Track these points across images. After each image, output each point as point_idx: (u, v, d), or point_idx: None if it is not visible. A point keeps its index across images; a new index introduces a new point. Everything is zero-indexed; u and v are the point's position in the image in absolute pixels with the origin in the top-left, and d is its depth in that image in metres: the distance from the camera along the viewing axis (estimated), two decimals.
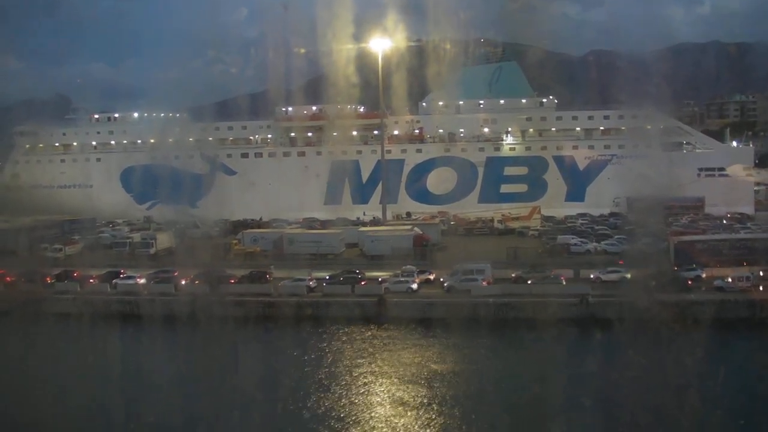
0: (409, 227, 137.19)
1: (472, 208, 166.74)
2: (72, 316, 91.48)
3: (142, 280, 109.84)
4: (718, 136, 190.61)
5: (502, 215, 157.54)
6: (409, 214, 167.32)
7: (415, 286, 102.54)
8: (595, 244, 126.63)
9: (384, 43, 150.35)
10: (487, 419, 62.87)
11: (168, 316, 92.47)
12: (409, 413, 64.18)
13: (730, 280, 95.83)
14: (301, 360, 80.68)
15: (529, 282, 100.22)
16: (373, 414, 64.33)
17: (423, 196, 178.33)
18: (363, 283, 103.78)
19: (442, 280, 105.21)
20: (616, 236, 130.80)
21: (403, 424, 61.68)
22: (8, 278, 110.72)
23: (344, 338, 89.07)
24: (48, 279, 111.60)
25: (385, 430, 60.98)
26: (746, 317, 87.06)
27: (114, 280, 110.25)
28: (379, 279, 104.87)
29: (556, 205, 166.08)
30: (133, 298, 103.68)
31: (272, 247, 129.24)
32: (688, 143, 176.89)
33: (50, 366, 76.57)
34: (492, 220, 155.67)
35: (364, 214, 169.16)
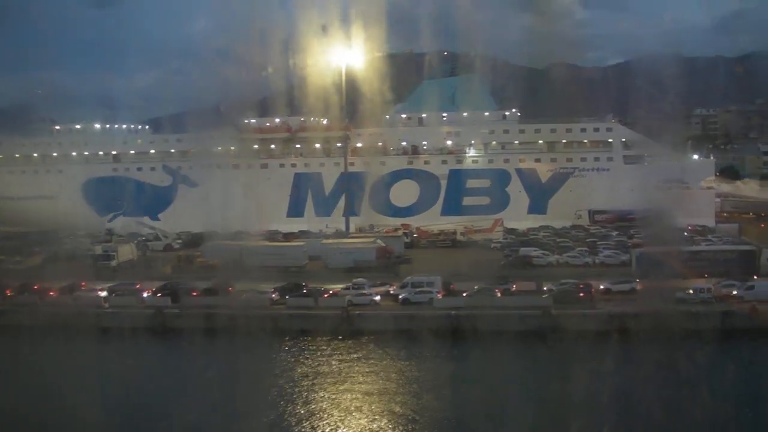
0: (372, 240, 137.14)
1: (435, 221, 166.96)
2: (31, 329, 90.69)
3: (104, 293, 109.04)
4: (681, 149, 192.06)
5: (465, 228, 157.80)
6: (372, 227, 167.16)
7: (378, 298, 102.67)
8: (557, 256, 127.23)
9: (348, 56, 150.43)
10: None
11: (130, 328, 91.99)
12: (377, 425, 64.23)
13: (691, 291, 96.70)
14: (264, 373, 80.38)
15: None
16: (340, 426, 64.28)
17: (386, 208, 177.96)
18: (326, 295, 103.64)
19: (392, 292, 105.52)
20: (578, 249, 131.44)
21: None
22: None
23: (307, 351, 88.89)
24: (7, 291, 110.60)
25: None
26: (707, 328, 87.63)
27: (75, 293, 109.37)
28: (329, 291, 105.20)
29: (518, 217, 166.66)
30: (94, 311, 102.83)
31: (235, 259, 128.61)
32: (649, 156, 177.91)
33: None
34: (455, 233, 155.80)
35: (327, 226, 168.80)
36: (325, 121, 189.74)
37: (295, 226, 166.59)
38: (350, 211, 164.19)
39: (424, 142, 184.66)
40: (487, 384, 71.91)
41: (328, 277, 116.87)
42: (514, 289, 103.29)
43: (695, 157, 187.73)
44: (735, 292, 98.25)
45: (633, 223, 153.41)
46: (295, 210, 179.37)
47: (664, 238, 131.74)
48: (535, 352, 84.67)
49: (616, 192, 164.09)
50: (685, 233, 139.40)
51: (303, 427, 64.47)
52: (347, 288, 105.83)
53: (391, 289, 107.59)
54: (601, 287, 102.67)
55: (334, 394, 73.48)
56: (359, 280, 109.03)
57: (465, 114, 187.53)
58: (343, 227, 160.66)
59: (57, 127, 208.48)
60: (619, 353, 77.75)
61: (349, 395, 73.00)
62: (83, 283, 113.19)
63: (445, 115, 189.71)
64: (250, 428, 64.20)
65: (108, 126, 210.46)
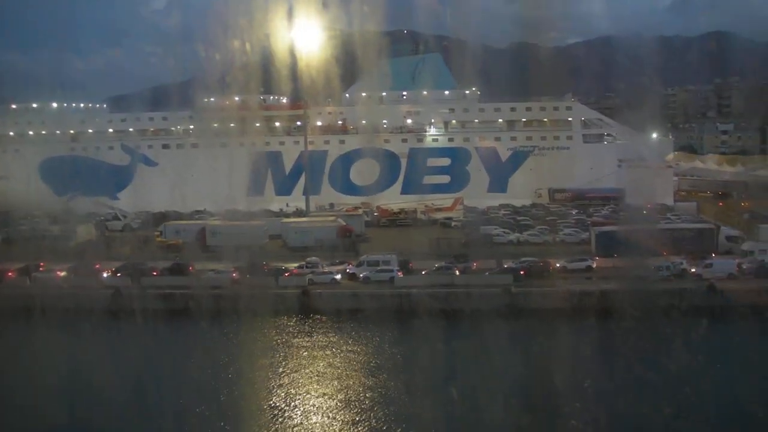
0: (333, 218, 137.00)
1: (395, 200, 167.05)
2: None
3: (62, 274, 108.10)
4: (640, 127, 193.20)
5: (426, 206, 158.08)
6: (332, 205, 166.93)
7: (339, 277, 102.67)
8: (517, 234, 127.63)
9: (307, 34, 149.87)
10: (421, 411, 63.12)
11: (89, 309, 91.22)
12: (335, 407, 64.27)
13: (650, 268, 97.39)
14: (223, 353, 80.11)
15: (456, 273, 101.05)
16: (298, 408, 64.19)
17: (346, 187, 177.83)
18: (287, 274, 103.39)
19: (349, 270, 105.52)
20: (538, 227, 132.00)
21: (335, 417, 61.74)
22: None
23: (266, 330, 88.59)
24: None
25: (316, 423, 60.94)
26: (665, 306, 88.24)
27: (33, 274, 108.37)
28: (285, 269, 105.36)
29: (478, 196, 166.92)
30: (53, 292, 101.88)
31: (195, 238, 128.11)
32: (608, 135, 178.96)
33: None
34: (415, 211, 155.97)
35: (287, 205, 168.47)
36: (284, 100, 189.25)
37: (255, 205, 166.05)
38: (310, 191, 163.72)
39: (384, 121, 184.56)
40: (445, 363, 72.04)
41: (288, 256, 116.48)
42: (474, 267, 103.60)
43: (654, 135, 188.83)
44: (693, 270, 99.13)
45: (592, 202, 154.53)
46: (255, 189, 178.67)
47: (623, 216, 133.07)
48: (494, 330, 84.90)
49: (576, 171, 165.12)
50: (645, 212, 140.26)
51: (256, 405, 64.36)
52: (301, 267, 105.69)
53: (348, 267, 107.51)
54: (557, 265, 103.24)
55: (290, 373, 73.44)
56: (312, 258, 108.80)
57: (425, 93, 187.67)
58: (303, 206, 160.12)
59: (13, 106, 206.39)
60: (577, 331, 78.10)
61: (305, 374, 73.03)
62: (41, 264, 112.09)
63: (405, 93, 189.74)
64: (207, 409, 63.88)
65: (65, 105, 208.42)
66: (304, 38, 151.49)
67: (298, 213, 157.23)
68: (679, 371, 61.79)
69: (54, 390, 66.94)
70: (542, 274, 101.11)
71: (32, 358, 78.34)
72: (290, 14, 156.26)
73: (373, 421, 61.06)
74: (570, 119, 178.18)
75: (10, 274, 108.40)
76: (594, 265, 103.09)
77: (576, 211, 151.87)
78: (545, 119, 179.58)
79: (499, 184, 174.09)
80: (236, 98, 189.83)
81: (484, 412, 60.15)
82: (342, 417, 61.90)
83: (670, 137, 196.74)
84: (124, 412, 62.16)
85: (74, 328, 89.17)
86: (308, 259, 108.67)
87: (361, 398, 65.93)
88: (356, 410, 63.04)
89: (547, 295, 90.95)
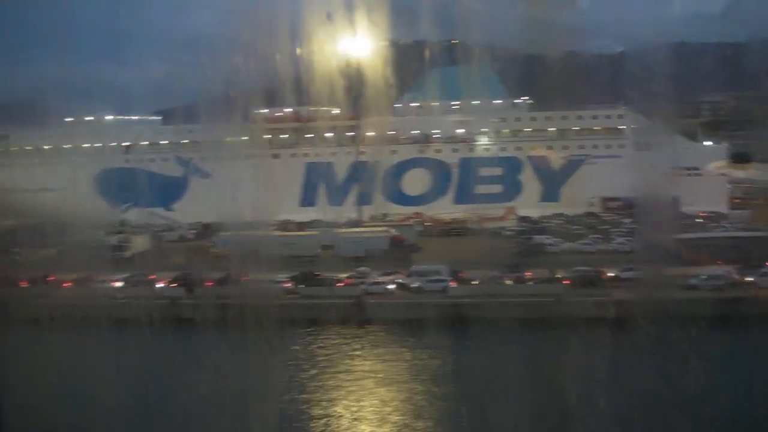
0: (385, 229, 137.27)
1: (447, 209, 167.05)
2: (44, 320, 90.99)
3: (118, 284, 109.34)
4: (691, 135, 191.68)
5: (478, 216, 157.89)
6: (384, 216, 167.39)
7: (392, 287, 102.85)
8: (570, 243, 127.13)
9: (356, 45, 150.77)
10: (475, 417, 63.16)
11: (144, 319, 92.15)
12: (387, 410, 64.48)
13: (704, 277, 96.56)
14: (279, 362, 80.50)
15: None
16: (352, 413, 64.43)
17: (398, 197, 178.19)
18: (340, 284, 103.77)
19: (400, 281, 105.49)
20: (591, 236, 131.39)
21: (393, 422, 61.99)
22: None
23: (320, 340, 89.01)
24: (22, 283, 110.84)
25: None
26: (717, 315, 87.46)
27: (89, 284, 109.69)
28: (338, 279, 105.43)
29: (531, 205, 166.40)
30: (108, 302, 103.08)
31: (248, 249, 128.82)
32: (660, 143, 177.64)
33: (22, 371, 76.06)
34: (467, 221, 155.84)
35: (339, 215, 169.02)
36: (337, 111, 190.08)
37: (307, 215, 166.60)
38: (363, 201, 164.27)
39: (436, 131, 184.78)
40: (500, 372, 71.93)
41: (339, 266, 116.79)
42: (526, 276, 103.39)
43: (707, 142, 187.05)
44: (748, 279, 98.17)
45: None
46: (308, 200, 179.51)
47: (675, 224, 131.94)
48: (547, 339, 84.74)
49: (628, 179, 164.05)
50: (697, 219, 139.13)
51: (315, 414, 64.65)
52: (350, 277, 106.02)
53: (399, 278, 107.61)
54: (609, 274, 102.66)
55: (346, 382, 73.65)
56: (362, 268, 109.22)
57: (476, 102, 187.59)
58: (355, 216, 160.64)
59: (69, 119, 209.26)
60: (630, 340, 77.60)
61: (361, 383, 73.18)
62: (97, 275, 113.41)
63: (456, 103, 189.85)
64: (263, 416, 64.32)
65: (120, 117, 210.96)
66: (355, 48, 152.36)
67: (351, 223, 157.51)
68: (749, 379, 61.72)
69: (127, 400, 68.00)
70: (595, 283, 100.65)
71: (93, 369, 79.28)
72: (340, 25, 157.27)
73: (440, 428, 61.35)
74: (622, 127, 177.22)
75: (66, 284, 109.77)
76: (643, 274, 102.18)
77: (629, 219, 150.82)
78: (597, 127, 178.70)
79: (551, 192, 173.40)
80: (288, 109, 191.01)
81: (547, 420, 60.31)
82: (413, 424, 62.01)
83: (724, 144, 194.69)
84: (210, 419, 63.04)
85: (130, 338, 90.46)
86: (358, 269, 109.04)
87: (429, 406, 66.09)
88: (427, 417, 63.20)
89: (599, 305, 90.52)
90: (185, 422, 62.81)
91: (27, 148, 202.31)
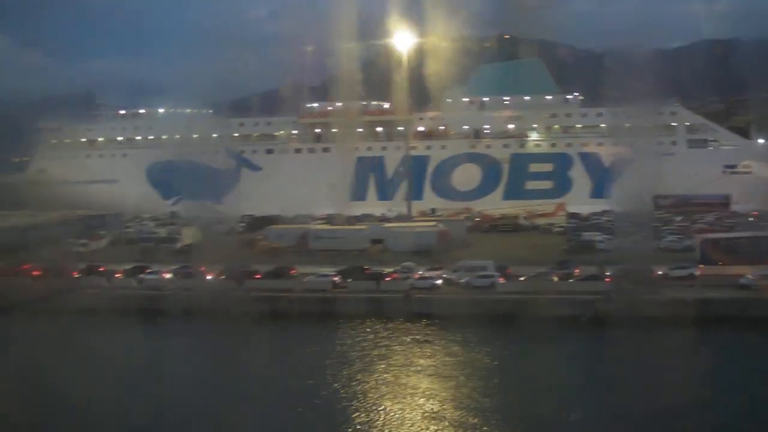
0: (433, 224, 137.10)
1: (497, 205, 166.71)
2: (96, 310, 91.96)
3: (168, 276, 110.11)
4: (744, 132, 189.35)
5: (527, 212, 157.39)
6: (434, 211, 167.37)
7: (439, 282, 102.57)
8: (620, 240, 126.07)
9: (407, 40, 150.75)
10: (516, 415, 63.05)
11: (193, 311, 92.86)
12: (440, 406, 64.41)
13: (751, 277, 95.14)
14: (329, 356, 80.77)
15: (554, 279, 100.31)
16: (405, 408, 64.37)
17: (448, 192, 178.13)
18: (388, 278, 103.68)
19: (446, 276, 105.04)
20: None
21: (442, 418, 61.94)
22: (34, 272, 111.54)
23: (369, 334, 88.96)
24: (73, 273, 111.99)
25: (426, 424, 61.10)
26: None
27: (139, 275, 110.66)
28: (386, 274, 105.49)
29: (581, 201, 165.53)
30: (159, 293, 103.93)
31: (297, 242, 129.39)
32: (713, 140, 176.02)
33: (75, 361, 76.81)
34: (517, 217, 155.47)
35: (389, 210, 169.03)
36: (386, 105, 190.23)
37: (357, 210, 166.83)
38: (412, 196, 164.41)
39: (486, 126, 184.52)
40: (551, 369, 71.73)
41: (386, 260, 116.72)
42: (576, 273, 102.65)
43: (761, 140, 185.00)
44: None
45: (696, 208, 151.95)
46: (358, 194, 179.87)
47: (729, 223, 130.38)
48: (597, 337, 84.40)
49: (680, 177, 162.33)
50: (751, 219, 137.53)
51: (366, 407, 64.61)
52: (396, 272, 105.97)
53: (445, 273, 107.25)
54: (659, 273, 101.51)
55: (397, 376, 73.45)
56: (408, 263, 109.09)
57: (527, 98, 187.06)
58: (405, 211, 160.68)
59: (122, 112, 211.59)
60: (676, 339, 76.79)
61: (413, 378, 72.95)
62: (148, 266, 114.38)
63: (506, 98, 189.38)
64: (316, 411, 64.57)
65: (171, 110, 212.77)
66: (406, 44, 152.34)
67: (401, 218, 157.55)
68: None
69: (177, 391, 68.92)
70: (644, 281, 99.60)
71: (150, 360, 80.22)
72: (391, 20, 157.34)
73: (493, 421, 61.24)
74: (674, 124, 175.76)
75: (117, 275, 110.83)
76: (697, 273, 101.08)
77: (680, 217, 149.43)
78: (648, 124, 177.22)
79: (602, 189, 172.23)
80: (339, 104, 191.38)
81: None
82: (470, 420, 61.86)
83: None
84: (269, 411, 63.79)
85: (182, 328, 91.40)
86: (404, 263, 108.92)
87: (482, 401, 65.87)
88: (480, 413, 63.03)
89: (648, 303, 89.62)
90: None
91: (81, 140, 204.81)
